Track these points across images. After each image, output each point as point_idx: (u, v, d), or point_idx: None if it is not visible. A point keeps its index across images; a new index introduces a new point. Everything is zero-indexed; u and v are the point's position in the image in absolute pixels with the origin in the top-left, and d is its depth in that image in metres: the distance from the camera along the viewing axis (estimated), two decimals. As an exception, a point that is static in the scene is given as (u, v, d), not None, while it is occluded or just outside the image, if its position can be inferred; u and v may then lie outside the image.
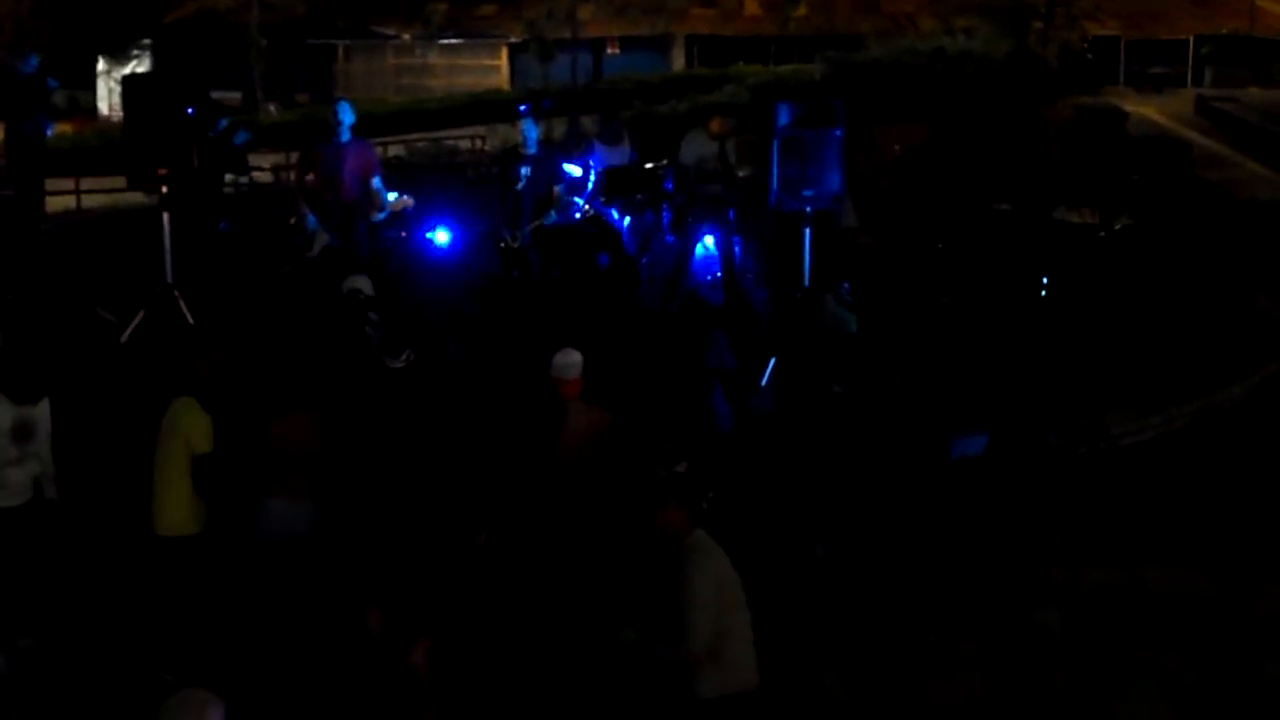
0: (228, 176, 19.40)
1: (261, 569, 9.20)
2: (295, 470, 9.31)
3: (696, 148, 17.25)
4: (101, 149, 33.49)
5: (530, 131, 16.51)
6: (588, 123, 33.40)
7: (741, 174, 18.00)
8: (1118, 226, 20.44)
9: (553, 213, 16.32)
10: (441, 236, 17.54)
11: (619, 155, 18.09)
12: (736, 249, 16.95)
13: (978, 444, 11.59)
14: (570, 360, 9.91)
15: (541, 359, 10.18)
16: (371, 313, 11.55)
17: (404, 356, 10.55)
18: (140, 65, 54.29)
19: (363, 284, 12.21)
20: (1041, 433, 12.40)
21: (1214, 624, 9.95)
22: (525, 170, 16.16)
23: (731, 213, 17.02)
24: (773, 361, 13.24)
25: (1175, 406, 13.97)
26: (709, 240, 17.06)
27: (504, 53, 60.71)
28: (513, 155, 16.58)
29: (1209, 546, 11.24)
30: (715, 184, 16.95)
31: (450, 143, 41.76)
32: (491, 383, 12.09)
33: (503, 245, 16.54)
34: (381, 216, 15.92)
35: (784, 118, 14.44)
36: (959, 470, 11.06)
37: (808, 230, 14.47)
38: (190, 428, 9.15)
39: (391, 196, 17.07)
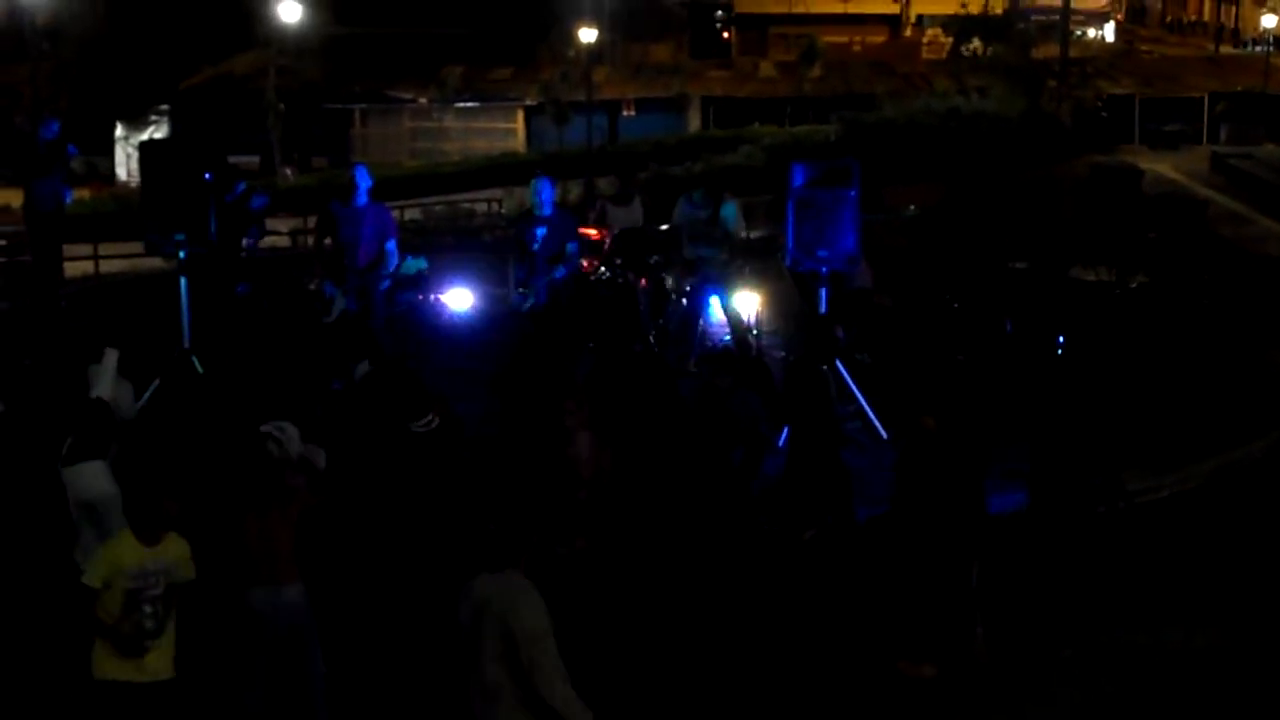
0: (244, 241, 19.46)
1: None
2: (274, 557, 8.93)
3: (688, 210, 17.30)
4: (119, 214, 33.75)
5: (545, 194, 16.56)
6: (603, 184, 33.54)
7: (754, 235, 18.04)
8: (1134, 284, 20.42)
9: (562, 267, 16.39)
10: (458, 299, 17.60)
11: (631, 217, 18.14)
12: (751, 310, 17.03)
13: (1011, 500, 11.57)
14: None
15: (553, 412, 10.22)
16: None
17: (427, 420, 10.50)
18: (158, 131, 54.69)
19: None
20: (1080, 490, 12.32)
21: (1238, 687, 9.87)
22: (541, 231, 16.22)
23: (745, 269, 17.11)
24: (786, 429, 13.18)
25: (1192, 464, 13.91)
26: (715, 301, 17.15)
27: (520, 116, 60.99)
28: (527, 218, 16.64)
29: (1229, 607, 11.17)
30: (707, 246, 16.98)
31: (467, 205, 41.93)
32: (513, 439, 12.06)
33: (518, 305, 16.71)
34: (385, 284, 15.94)
35: (799, 178, 14.47)
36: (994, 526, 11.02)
37: (823, 290, 14.50)
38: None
39: (423, 264, 17.27)
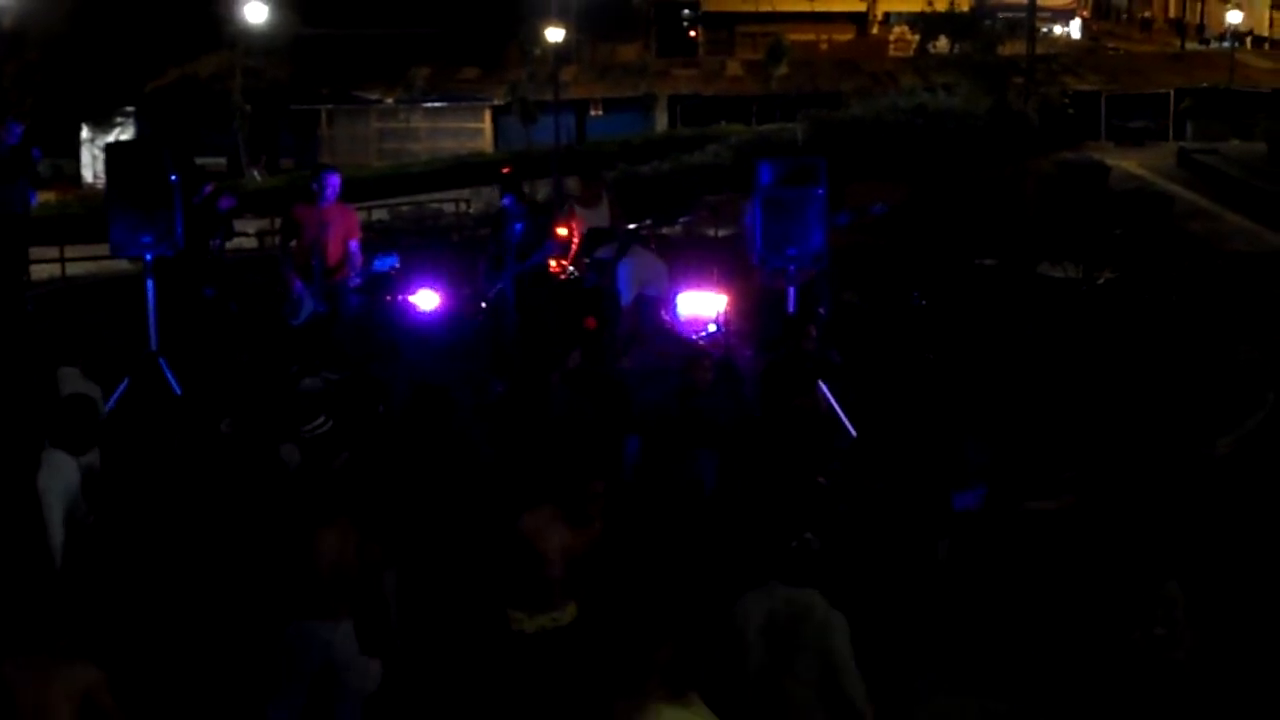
0: (211, 242, 19.40)
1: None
2: (333, 587, 8.34)
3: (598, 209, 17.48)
4: (86, 217, 33.59)
5: (505, 200, 16.76)
6: (572, 184, 33.53)
7: (722, 234, 18.01)
8: (1101, 280, 20.49)
9: (533, 255, 16.56)
10: (427, 299, 17.57)
11: (599, 217, 18.14)
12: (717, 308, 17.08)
13: (973, 498, 11.55)
14: None
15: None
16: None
17: (319, 423, 10.34)
18: (124, 133, 54.43)
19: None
20: (1039, 486, 12.32)
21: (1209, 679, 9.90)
22: (519, 227, 16.31)
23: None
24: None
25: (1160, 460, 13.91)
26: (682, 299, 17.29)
27: (487, 115, 60.85)
28: (502, 217, 16.76)
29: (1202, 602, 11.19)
30: (606, 246, 17.05)
31: (434, 206, 41.82)
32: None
33: (484, 304, 16.78)
34: (356, 281, 15.91)
35: (766, 177, 14.46)
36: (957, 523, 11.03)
37: (791, 290, 14.51)
38: None
39: (394, 260, 17.33)
